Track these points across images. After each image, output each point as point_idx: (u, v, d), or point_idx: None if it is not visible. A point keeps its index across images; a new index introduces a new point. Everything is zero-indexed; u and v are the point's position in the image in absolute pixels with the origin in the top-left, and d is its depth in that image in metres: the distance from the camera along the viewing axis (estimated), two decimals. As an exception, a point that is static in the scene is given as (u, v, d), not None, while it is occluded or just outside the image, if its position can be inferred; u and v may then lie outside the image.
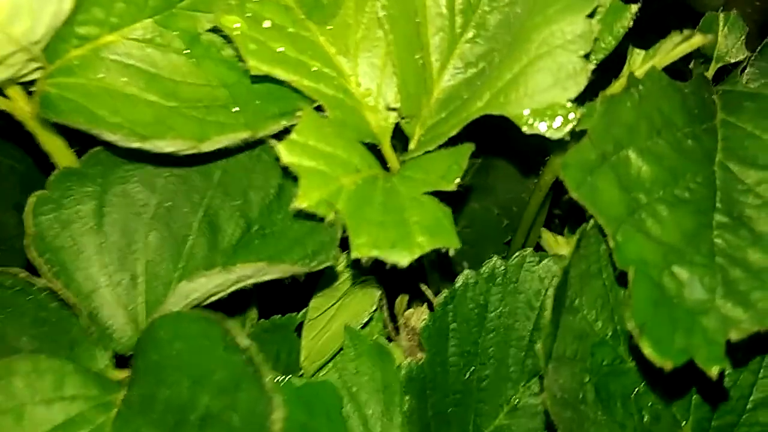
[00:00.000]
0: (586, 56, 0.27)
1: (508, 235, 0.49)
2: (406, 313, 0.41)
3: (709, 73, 0.37)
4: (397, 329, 0.42)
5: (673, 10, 0.47)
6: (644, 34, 0.31)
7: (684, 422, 0.31)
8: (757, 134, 0.29)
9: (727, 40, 0.37)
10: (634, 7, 0.30)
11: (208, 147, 0.29)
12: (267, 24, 0.30)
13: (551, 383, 0.25)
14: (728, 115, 0.31)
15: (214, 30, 0.31)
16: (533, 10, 0.28)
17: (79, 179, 0.33)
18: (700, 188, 0.28)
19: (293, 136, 0.28)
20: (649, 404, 0.30)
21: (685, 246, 0.26)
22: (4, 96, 0.32)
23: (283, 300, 0.40)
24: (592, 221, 0.27)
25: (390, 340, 0.43)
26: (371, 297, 0.42)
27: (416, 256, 0.27)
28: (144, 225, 0.35)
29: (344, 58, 0.31)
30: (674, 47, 0.29)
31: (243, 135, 0.29)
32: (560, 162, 0.25)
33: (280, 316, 0.41)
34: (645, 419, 0.30)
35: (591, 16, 0.27)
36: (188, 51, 0.33)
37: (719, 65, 0.37)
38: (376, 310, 0.42)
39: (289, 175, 0.30)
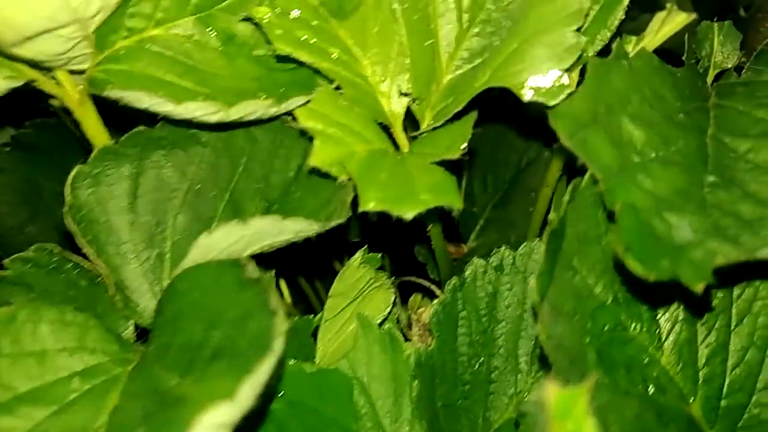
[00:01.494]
0: (578, 30, 0.29)
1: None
2: (419, 309, 0.42)
3: (709, 78, 0.39)
4: (410, 327, 0.42)
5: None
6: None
7: (692, 398, 0.31)
8: (748, 111, 0.31)
9: (723, 48, 0.39)
10: (626, 1, 0.32)
11: (235, 113, 0.32)
12: (293, 15, 0.34)
13: (548, 325, 0.26)
14: (721, 99, 0.33)
15: (247, 19, 0.34)
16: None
17: (117, 158, 0.36)
18: (692, 154, 0.29)
19: (311, 104, 0.31)
20: (655, 375, 0.30)
21: (676, 198, 0.27)
22: (55, 81, 0.36)
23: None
24: (586, 177, 0.28)
25: (406, 340, 0.44)
26: (386, 298, 0.43)
27: (420, 210, 0.29)
28: (174, 207, 0.37)
29: (361, 48, 0.35)
30: (660, 27, 0.31)
31: (267, 103, 0.32)
32: (551, 114, 0.27)
33: (297, 318, 0.42)
34: (650, 390, 0.30)
35: (582, -4, 0.30)
36: (223, 48, 0.37)
37: (716, 71, 0.39)
38: (390, 310, 0.43)
39: (307, 159, 0.33)
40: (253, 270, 0.27)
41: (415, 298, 0.44)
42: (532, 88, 0.30)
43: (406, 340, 0.43)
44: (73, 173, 0.35)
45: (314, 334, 0.42)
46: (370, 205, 0.29)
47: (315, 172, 0.30)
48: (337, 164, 0.30)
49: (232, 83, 0.36)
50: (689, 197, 0.27)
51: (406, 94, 0.34)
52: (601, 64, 0.29)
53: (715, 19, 0.76)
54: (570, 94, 0.29)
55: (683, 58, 0.35)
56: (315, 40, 0.34)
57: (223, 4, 0.36)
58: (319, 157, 0.30)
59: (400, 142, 0.34)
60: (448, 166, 0.31)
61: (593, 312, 0.30)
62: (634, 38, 0.33)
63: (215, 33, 0.36)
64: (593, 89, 0.28)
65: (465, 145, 0.30)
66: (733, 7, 0.95)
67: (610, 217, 0.26)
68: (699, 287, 0.22)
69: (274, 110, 0.33)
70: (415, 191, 0.29)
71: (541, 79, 0.29)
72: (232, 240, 0.31)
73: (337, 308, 0.42)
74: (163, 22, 0.35)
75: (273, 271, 0.37)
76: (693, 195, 0.27)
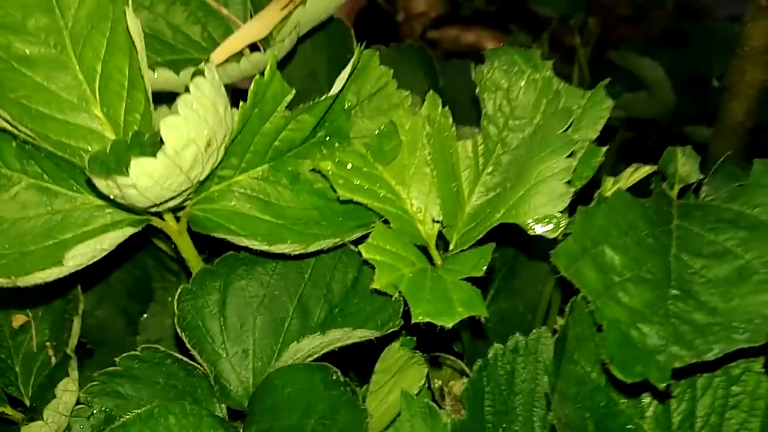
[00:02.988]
0: (568, 182, 0.39)
1: (532, 329, 0.60)
2: (450, 383, 0.51)
3: (674, 192, 0.50)
4: (443, 397, 0.52)
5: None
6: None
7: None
8: (702, 234, 0.41)
9: (685, 167, 0.49)
10: (604, 148, 0.43)
11: (312, 249, 0.42)
12: (349, 166, 0.44)
13: (557, 409, 0.35)
14: (682, 221, 0.43)
15: (313, 170, 0.44)
16: (532, 153, 0.42)
17: (211, 276, 0.46)
18: (659, 271, 0.39)
19: (370, 240, 0.41)
20: (639, 438, 0.40)
21: (647, 310, 0.37)
22: (161, 218, 0.46)
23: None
24: (580, 294, 0.38)
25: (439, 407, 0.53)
26: (420, 373, 0.52)
27: (457, 320, 0.39)
28: (253, 311, 0.47)
29: (401, 186, 0.45)
30: (632, 174, 0.41)
31: (335, 241, 0.42)
32: (552, 254, 0.37)
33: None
34: (637, 450, 0.39)
35: (570, 156, 0.40)
36: (291, 186, 0.47)
37: (681, 185, 0.49)
38: (424, 383, 0.53)
39: (361, 271, 0.43)
40: (337, 374, 0.36)
41: (446, 372, 0.53)
42: (536, 225, 0.40)
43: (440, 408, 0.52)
44: (178, 291, 0.45)
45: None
46: (419, 318, 0.39)
47: (374, 290, 0.40)
48: (391, 285, 0.40)
49: (299, 213, 0.46)
50: (656, 309, 0.37)
51: (438, 221, 0.44)
52: (586, 210, 0.39)
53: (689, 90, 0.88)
54: (564, 228, 0.39)
55: (651, 188, 0.45)
56: (367, 184, 0.44)
57: (291, 152, 0.47)
58: (380, 282, 0.39)
59: (435, 260, 0.44)
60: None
61: (591, 393, 0.39)
62: (611, 179, 0.43)
63: (285, 174, 0.47)
64: (581, 229, 0.38)
65: (486, 266, 0.40)
66: (706, 79, 1.06)
67: (599, 328, 0.35)
68: (662, 386, 0.32)
69: (339, 243, 0.43)
70: (452, 305, 0.39)
71: (541, 219, 0.40)
72: (314, 345, 0.40)
73: (380, 382, 0.51)
74: (246, 170, 0.46)
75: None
76: (659, 307, 0.37)
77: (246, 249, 0.44)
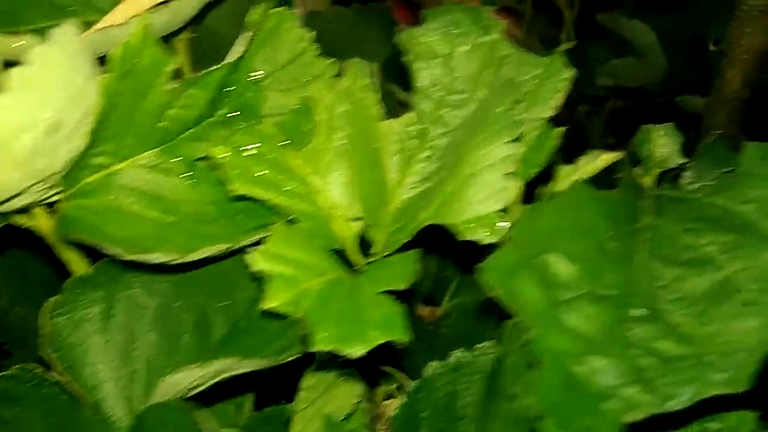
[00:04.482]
0: (511, 174, 0.31)
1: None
2: (384, 403, 0.44)
3: (650, 179, 0.42)
4: (378, 419, 0.45)
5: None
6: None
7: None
8: (676, 235, 0.33)
9: (664, 148, 0.41)
10: (559, 129, 0.35)
11: (193, 257, 0.34)
12: (250, 152, 0.36)
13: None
14: (656, 218, 0.35)
15: (206, 158, 0.36)
16: (469, 136, 0.34)
17: (90, 286, 0.38)
18: (620, 285, 0.31)
19: (264, 246, 0.33)
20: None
21: (600, 338, 0.29)
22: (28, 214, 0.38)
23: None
24: (516, 320, 0.30)
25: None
26: (355, 389, 0.45)
27: (369, 348, 0.31)
28: (145, 325, 0.40)
29: (316, 176, 0.37)
30: (594, 161, 0.33)
31: (224, 246, 0.34)
32: (477, 270, 0.29)
33: (272, 407, 0.45)
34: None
35: (516, 140, 0.32)
36: (187, 174, 0.39)
37: (658, 171, 0.41)
38: (360, 401, 0.45)
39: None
40: (206, 423, 0.29)
41: (382, 389, 0.46)
42: (469, 227, 0.32)
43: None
44: (48, 303, 0.37)
45: (287, 422, 0.44)
46: (320, 345, 0.31)
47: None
48: (292, 304, 0.32)
49: (195, 208, 0.38)
50: (613, 335, 0.29)
51: (359, 219, 0.36)
52: (529, 210, 0.31)
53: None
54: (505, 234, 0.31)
55: (618, 176, 0.37)
56: (272, 174, 0.36)
57: (185, 134, 0.38)
58: (274, 299, 0.32)
59: (356, 265, 0.37)
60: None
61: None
62: (567, 168, 0.35)
63: (179, 160, 0.39)
64: (523, 234, 0.30)
65: (412, 278, 0.33)
66: (703, 44, 0.97)
67: (533, 364, 0.28)
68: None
69: (233, 248, 0.35)
70: (365, 328, 0.32)
71: (478, 219, 0.32)
72: (194, 378, 0.33)
73: (309, 399, 0.44)
74: (127, 156, 0.38)
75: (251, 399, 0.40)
76: (617, 332, 0.29)
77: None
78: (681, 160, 0.40)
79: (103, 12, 0.45)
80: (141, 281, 0.40)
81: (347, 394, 0.45)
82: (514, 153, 0.31)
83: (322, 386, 0.43)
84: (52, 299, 0.37)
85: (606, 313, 0.30)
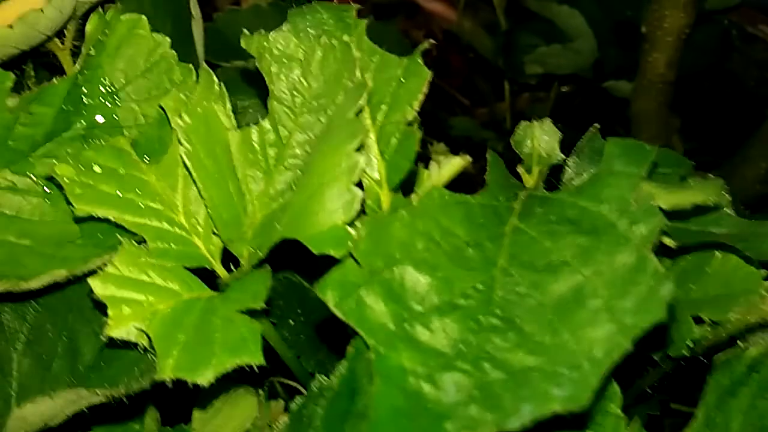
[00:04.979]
0: (357, 185, 0.30)
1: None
2: (280, 418, 0.43)
3: (533, 177, 0.40)
4: (271, 434, 0.43)
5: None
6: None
7: None
8: (538, 238, 0.32)
9: (546, 144, 0.40)
10: (419, 133, 0.33)
11: (33, 285, 0.32)
12: (98, 169, 0.34)
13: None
14: (521, 221, 0.33)
15: (51, 178, 0.34)
16: (319, 144, 0.32)
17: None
18: (477, 295, 0.30)
19: (108, 269, 0.31)
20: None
21: (451, 351, 0.28)
22: None
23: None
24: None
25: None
26: (250, 404, 0.44)
27: (217, 374, 0.29)
28: (17, 352, 0.38)
29: (172, 191, 0.35)
30: (447, 166, 0.32)
31: (63, 273, 0.32)
32: (315, 286, 0.27)
33: (171, 428, 0.43)
34: None
35: (359, 150, 0.30)
36: (45, 192, 0.37)
37: (540, 168, 0.40)
38: (258, 417, 0.44)
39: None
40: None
41: (279, 404, 0.45)
42: (320, 241, 0.30)
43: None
44: None
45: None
46: (165, 373, 0.29)
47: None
48: (136, 331, 0.30)
49: (54, 230, 0.36)
50: (467, 348, 0.28)
51: (216, 234, 0.35)
52: (375, 220, 0.29)
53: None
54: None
55: (485, 176, 0.36)
56: (122, 191, 0.34)
57: (38, 152, 0.36)
58: (116, 327, 0.30)
59: (225, 282, 0.35)
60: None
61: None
62: (427, 173, 0.34)
63: (35, 179, 0.37)
64: (369, 246, 0.29)
65: (265, 298, 0.31)
66: (635, 27, 0.96)
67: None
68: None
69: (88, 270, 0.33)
70: (213, 352, 0.30)
71: (327, 232, 0.30)
72: (43, 410, 0.31)
73: (204, 419, 0.42)
74: (-25, 178, 0.36)
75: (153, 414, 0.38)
76: (470, 344, 0.28)
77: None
78: (560, 157, 0.39)
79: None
80: (11, 307, 0.38)
81: (243, 409, 0.44)
82: (355, 162, 0.29)
83: (218, 404, 0.42)
84: None
85: (461, 324, 0.29)
